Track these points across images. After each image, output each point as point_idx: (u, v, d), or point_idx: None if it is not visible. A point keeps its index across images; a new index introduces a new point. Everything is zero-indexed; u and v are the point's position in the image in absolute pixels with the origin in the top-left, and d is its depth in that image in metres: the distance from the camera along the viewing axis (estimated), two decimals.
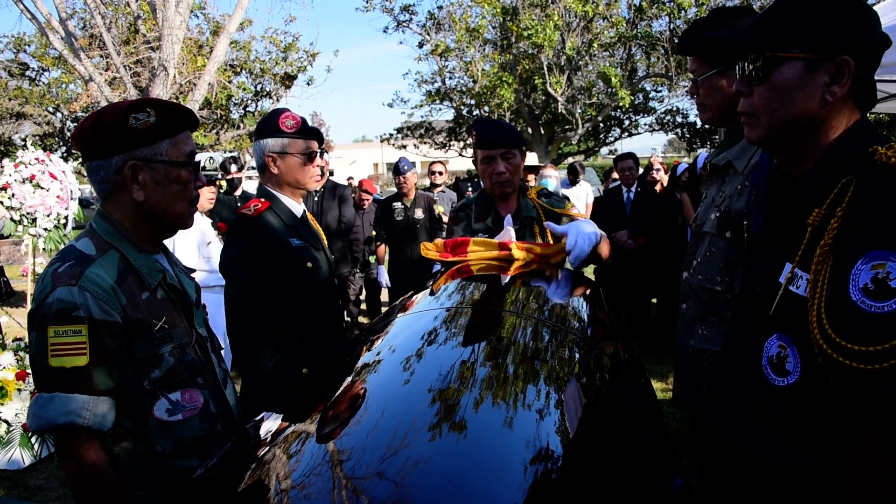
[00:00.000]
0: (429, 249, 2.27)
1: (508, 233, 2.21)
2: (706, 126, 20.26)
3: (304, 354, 2.21)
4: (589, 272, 8.29)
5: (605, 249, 2.30)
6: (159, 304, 1.50)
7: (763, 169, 1.64)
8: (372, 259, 6.74)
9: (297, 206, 2.33)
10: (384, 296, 6.98)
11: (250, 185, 18.11)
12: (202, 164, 4.04)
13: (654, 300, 6.74)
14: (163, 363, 1.48)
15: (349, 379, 1.38)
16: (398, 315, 1.78)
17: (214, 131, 15.43)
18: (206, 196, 4.05)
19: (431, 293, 2.03)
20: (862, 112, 1.16)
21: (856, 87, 1.13)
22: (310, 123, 2.29)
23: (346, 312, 6.87)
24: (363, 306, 7.63)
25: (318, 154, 2.32)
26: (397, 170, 5.72)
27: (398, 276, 5.81)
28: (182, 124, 1.52)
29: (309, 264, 2.25)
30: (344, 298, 6.65)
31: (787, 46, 1.15)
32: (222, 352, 1.77)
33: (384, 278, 5.77)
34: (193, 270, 1.75)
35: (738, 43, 1.22)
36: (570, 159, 21.54)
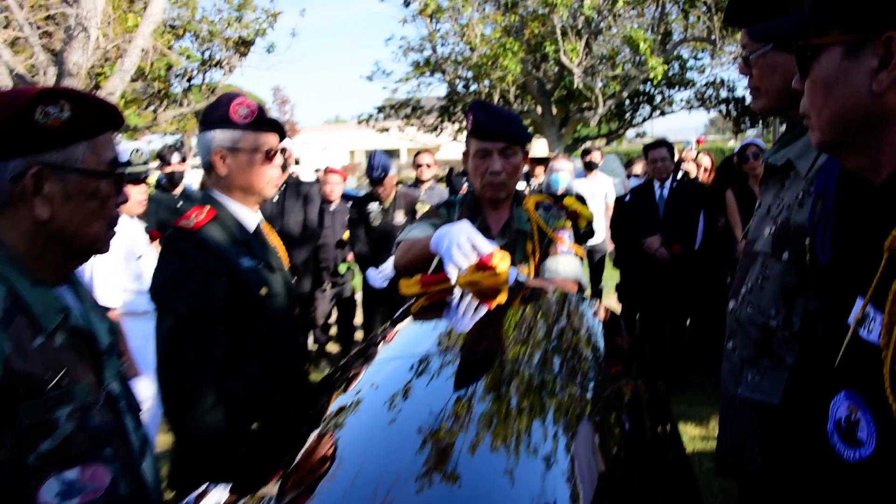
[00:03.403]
0: (409, 286, 2.28)
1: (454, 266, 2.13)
2: None
3: (256, 406, 2.19)
4: (610, 288, 8.26)
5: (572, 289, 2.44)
6: (57, 353, 1.39)
7: (832, 172, 1.63)
8: (343, 268, 6.73)
9: (250, 217, 2.32)
10: (358, 317, 6.96)
11: (196, 177, 18.00)
12: (127, 159, 4.00)
13: (689, 321, 6.76)
14: (57, 431, 1.36)
15: (315, 438, 1.36)
16: (376, 355, 1.77)
17: (151, 108, 15.35)
18: (136, 198, 4.01)
19: (415, 321, 2.06)
20: None
21: None
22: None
23: (312, 338, 6.84)
24: (333, 331, 7.62)
25: (279, 151, 2.31)
26: (372, 175, 5.64)
27: (373, 294, 5.83)
28: (104, 123, 1.47)
29: (263, 290, 2.23)
30: (309, 321, 6.62)
31: (825, 30, 1.17)
32: (145, 407, 1.72)
33: (378, 278, 5.70)
34: (109, 309, 1.70)
35: (779, 34, 1.25)
36: (589, 144, 21.62)
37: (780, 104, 1.79)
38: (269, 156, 2.28)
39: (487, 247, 2.07)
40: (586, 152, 8.31)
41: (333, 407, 1.48)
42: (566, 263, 2.55)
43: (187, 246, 2.15)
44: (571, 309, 2.19)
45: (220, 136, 2.23)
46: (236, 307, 2.18)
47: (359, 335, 7.15)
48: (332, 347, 7.61)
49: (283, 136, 2.33)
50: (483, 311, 2.07)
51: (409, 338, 1.92)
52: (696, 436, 4.97)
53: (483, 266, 2.09)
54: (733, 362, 1.91)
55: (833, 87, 1.17)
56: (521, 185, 5.42)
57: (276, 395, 2.25)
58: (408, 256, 2.41)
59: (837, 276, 1.25)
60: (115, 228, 1.55)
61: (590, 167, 8.22)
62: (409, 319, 2.10)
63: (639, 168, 7.99)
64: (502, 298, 2.11)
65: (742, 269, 1.94)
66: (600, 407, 1.55)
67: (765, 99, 1.82)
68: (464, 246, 2.07)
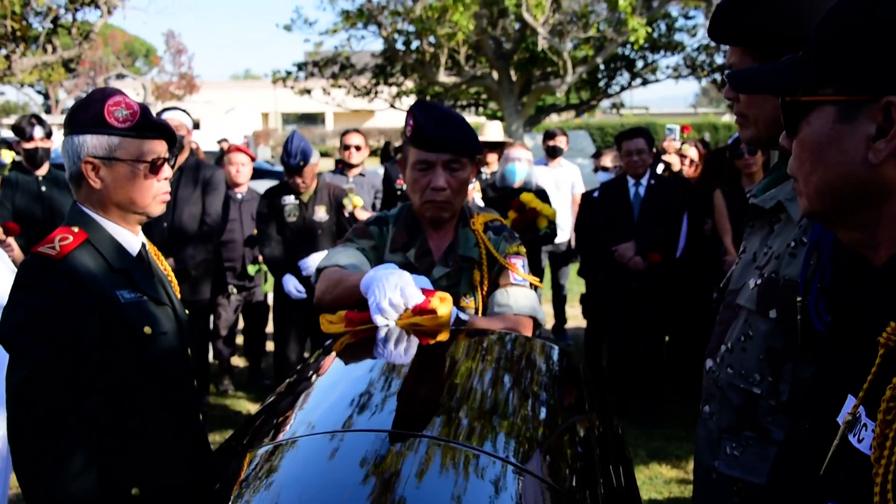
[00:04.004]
0: (331, 322, 2.33)
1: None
2: None
3: (136, 468, 2.19)
4: (576, 294, 8.32)
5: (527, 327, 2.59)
6: None
7: None
8: (252, 270, 6.68)
9: (130, 239, 2.31)
10: (269, 325, 6.94)
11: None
12: None
13: (668, 339, 6.91)
14: None
15: None
16: (291, 418, 1.79)
17: (3, 54, 14.84)
18: None
19: (340, 363, 2.16)
20: None
21: None
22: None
23: (212, 352, 6.79)
24: (240, 339, 7.55)
25: (167, 161, 2.29)
26: (290, 163, 5.61)
27: (288, 303, 5.84)
28: None
29: (147, 329, 2.23)
30: (211, 332, 6.56)
31: (816, 87, 1.20)
32: None
33: (298, 286, 5.69)
34: None
35: (764, 86, 1.27)
36: (556, 117, 21.85)
37: (770, 135, 1.82)
38: (155, 167, 2.26)
39: (420, 298, 2.22)
40: (549, 136, 8.34)
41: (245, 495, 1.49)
42: (519, 297, 2.59)
43: (49, 277, 2.12)
44: (517, 354, 2.28)
45: (91, 142, 2.20)
46: (113, 349, 2.17)
47: (270, 345, 7.13)
48: (238, 361, 7.58)
49: (172, 141, 2.30)
50: (416, 353, 2.17)
51: (332, 394, 1.95)
52: (671, 478, 5.10)
53: (422, 310, 2.17)
54: (710, 430, 1.96)
55: (823, 152, 1.20)
56: None
57: (162, 454, 2.25)
58: (333, 294, 2.44)
59: (829, 360, 1.28)
60: None
61: (553, 154, 8.30)
62: (333, 364, 2.17)
63: (608, 160, 7.94)
64: (443, 336, 2.22)
65: (721, 324, 1.98)
66: (541, 463, 1.66)
67: (753, 128, 1.87)
68: (395, 300, 2.20)
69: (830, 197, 1.22)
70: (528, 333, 2.55)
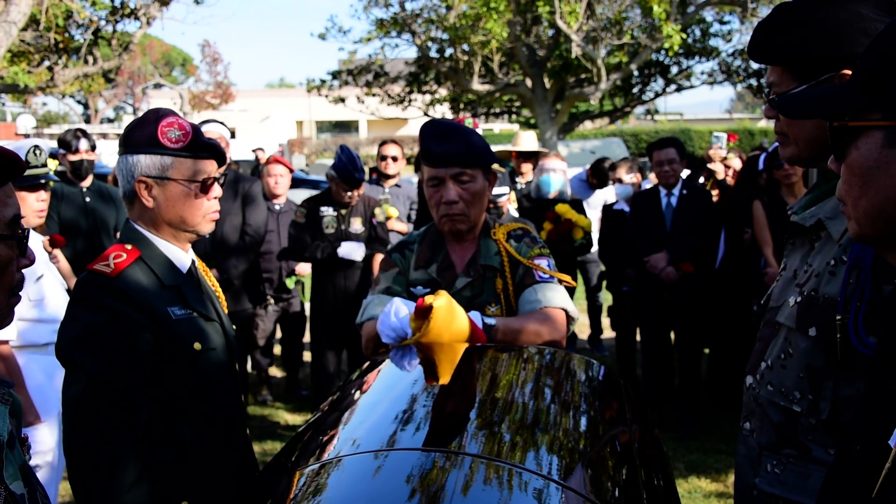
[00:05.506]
0: (368, 349, 2.42)
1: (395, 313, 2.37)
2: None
3: (185, 480, 2.23)
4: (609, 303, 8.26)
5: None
6: None
7: None
8: (290, 282, 6.74)
9: (181, 256, 2.35)
10: (306, 336, 7.00)
11: (109, 153, 17.39)
12: (24, 158, 3.95)
13: (709, 351, 6.86)
14: None
15: None
16: (336, 438, 1.83)
17: (46, 65, 15.04)
18: (34, 207, 3.94)
19: (383, 383, 2.20)
20: None
21: None
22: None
23: (250, 363, 6.86)
24: (277, 349, 7.62)
25: (217, 180, 2.33)
26: (355, 178, 5.66)
27: (324, 314, 5.93)
28: (3, 174, 1.46)
29: (197, 345, 2.27)
30: (249, 342, 6.63)
31: (864, 112, 1.22)
32: (47, 459, 1.73)
33: (354, 251, 5.76)
34: (9, 387, 1.65)
35: (811, 111, 1.29)
36: (590, 124, 21.77)
37: (811, 154, 1.84)
38: (205, 186, 2.30)
39: (409, 305, 2.35)
40: (598, 171, 8.45)
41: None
42: (546, 291, 2.62)
43: (104, 294, 2.17)
44: (556, 368, 2.31)
45: (145, 162, 2.25)
46: (165, 364, 2.22)
47: (307, 356, 7.19)
48: (276, 371, 7.65)
49: (222, 161, 2.35)
50: (457, 369, 2.21)
51: (375, 412, 2.00)
52: (711, 492, 5.07)
53: (419, 309, 2.24)
54: (751, 447, 1.98)
55: (871, 176, 1.22)
56: (503, 189, 5.49)
57: (211, 467, 2.31)
58: (370, 347, 2.60)
59: (877, 383, 1.30)
60: (20, 293, 1.57)
61: (601, 183, 8.44)
62: (375, 381, 2.24)
63: (624, 172, 7.65)
64: (461, 348, 2.27)
65: (761, 341, 2.00)
66: (584, 478, 1.69)
67: (794, 147, 1.87)
68: (395, 327, 2.32)
69: (880, 221, 1.24)
70: (561, 326, 2.58)
